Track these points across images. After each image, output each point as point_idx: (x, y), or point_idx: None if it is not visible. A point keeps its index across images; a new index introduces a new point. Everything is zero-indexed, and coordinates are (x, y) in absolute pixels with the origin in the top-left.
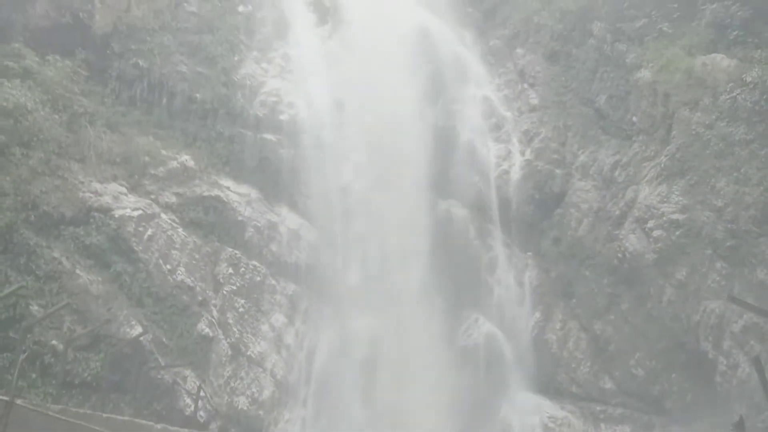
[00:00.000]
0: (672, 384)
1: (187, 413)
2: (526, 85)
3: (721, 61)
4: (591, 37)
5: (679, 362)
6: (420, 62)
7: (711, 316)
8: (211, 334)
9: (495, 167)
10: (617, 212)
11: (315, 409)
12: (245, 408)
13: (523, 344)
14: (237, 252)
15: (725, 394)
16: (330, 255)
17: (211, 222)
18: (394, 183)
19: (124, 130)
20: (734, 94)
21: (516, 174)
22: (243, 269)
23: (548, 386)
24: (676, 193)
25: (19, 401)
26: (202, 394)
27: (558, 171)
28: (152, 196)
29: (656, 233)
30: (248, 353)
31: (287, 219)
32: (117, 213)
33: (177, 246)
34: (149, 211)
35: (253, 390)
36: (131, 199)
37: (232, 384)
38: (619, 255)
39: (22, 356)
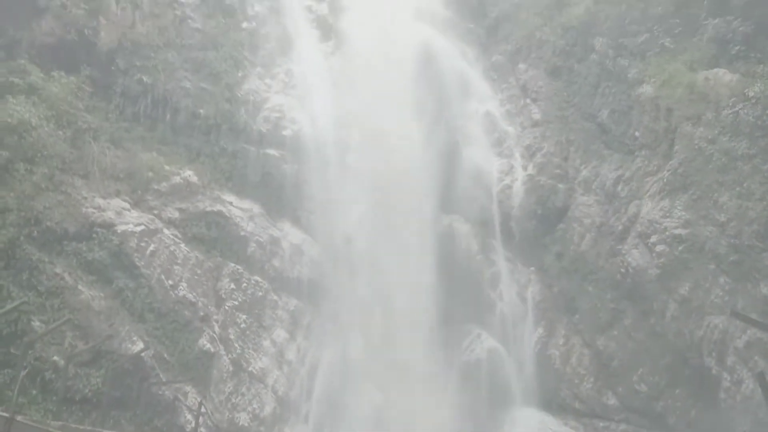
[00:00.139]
0: (676, 400)
1: (187, 429)
2: (528, 100)
3: (724, 75)
4: (593, 52)
5: (683, 378)
6: (422, 78)
7: (714, 332)
8: (212, 350)
9: (497, 182)
10: (620, 227)
11: (316, 426)
12: (246, 424)
13: (526, 360)
14: (239, 267)
15: (729, 410)
16: (332, 270)
17: (214, 237)
18: (397, 199)
19: (128, 145)
20: (736, 108)
21: (518, 189)
22: (245, 284)
23: (551, 402)
24: (679, 207)
25: (19, 418)
26: (203, 410)
27: (560, 186)
28: (155, 212)
29: (659, 248)
30: (249, 369)
31: (290, 234)
32: (120, 228)
33: (179, 261)
34: (152, 227)
35: (255, 406)
36: (134, 215)
37: (234, 400)
38: (622, 270)
39: (23, 372)
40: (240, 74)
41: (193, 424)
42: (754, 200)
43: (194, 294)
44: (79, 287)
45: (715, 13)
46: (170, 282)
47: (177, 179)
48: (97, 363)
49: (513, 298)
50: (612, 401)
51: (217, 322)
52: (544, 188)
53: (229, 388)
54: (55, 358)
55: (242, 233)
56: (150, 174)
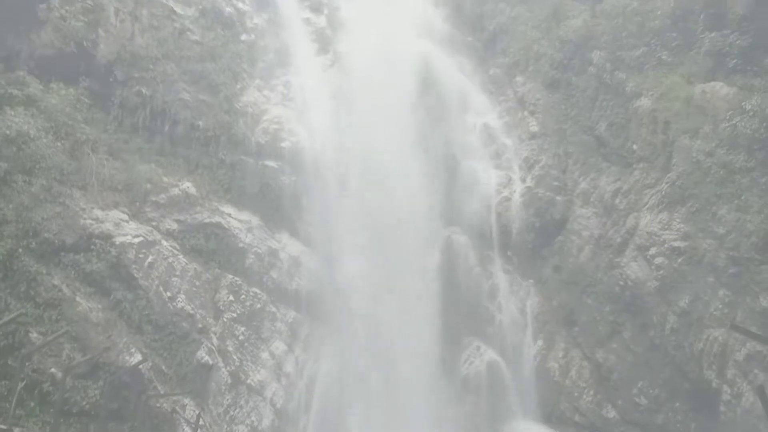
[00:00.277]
0: (675, 413)
1: None
2: (526, 113)
3: (721, 89)
4: (590, 65)
5: (683, 391)
6: (420, 91)
7: (714, 345)
8: (210, 362)
9: (496, 194)
10: (618, 240)
11: None
12: None
13: (525, 372)
14: (237, 279)
15: (729, 423)
16: (330, 282)
17: (212, 249)
18: (395, 211)
19: (126, 157)
20: (734, 121)
21: (517, 201)
22: (243, 296)
23: (551, 415)
24: (678, 220)
25: (16, 430)
26: (201, 422)
27: (559, 198)
28: (153, 223)
29: (658, 261)
30: (248, 381)
31: (288, 245)
32: (118, 240)
33: (177, 273)
34: (150, 238)
35: (253, 419)
36: (132, 226)
37: (232, 413)
38: (621, 283)
39: (21, 384)
40: (238, 86)
41: None
42: (753, 213)
43: (192, 306)
44: (77, 299)
45: (712, 27)
46: (168, 294)
47: (175, 191)
48: (94, 375)
49: (512, 310)
50: (612, 414)
51: (215, 334)
52: (542, 200)
53: (227, 400)
54: (53, 370)
55: (240, 245)
56: (148, 185)
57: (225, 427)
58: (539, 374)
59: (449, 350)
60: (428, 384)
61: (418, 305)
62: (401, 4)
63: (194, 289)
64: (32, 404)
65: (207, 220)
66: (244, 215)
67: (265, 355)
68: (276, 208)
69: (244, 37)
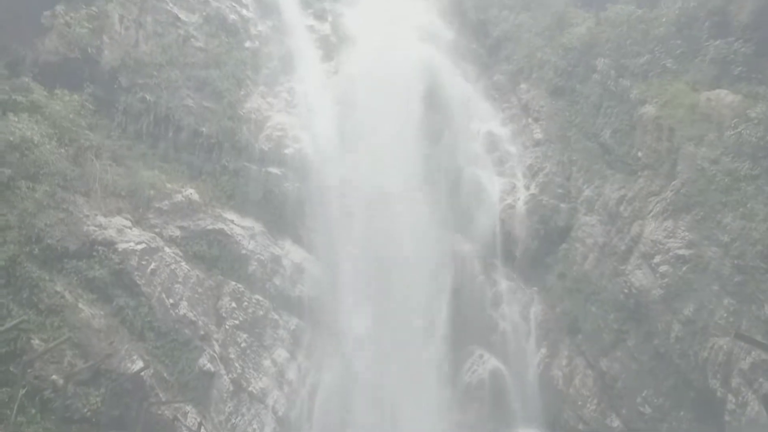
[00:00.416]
0: (680, 422)
1: None
2: (530, 120)
3: (726, 96)
4: (595, 72)
5: (688, 400)
6: (424, 98)
7: (719, 353)
8: (212, 370)
9: (499, 202)
10: (623, 247)
11: None
12: None
13: (529, 381)
14: (240, 286)
15: None
16: (333, 289)
17: (215, 255)
18: (398, 219)
19: (130, 163)
20: (739, 129)
21: (521, 208)
22: (246, 303)
23: (554, 424)
24: (682, 228)
25: None
26: (202, 430)
27: (563, 205)
28: (156, 230)
29: (663, 269)
30: (250, 389)
31: (291, 252)
32: (120, 246)
33: (180, 280)
34: (153, 245)
35: (255, 426)
36: (135, 233)
37: (233, 420)
38: (626, 290)
39: (22, 391)
40: (242, 93)
41: None
42: (758, 221)
43: (195, 313)
44: (80, 305)
45: (717, 34)
46: (171, 301)
47: (179, 197)
48: (96, 382)
49: (515, 318)
50: (616, 423)
51: (217, 341)
52: (546, 208)
53: (229, 408)
54: (55, 376)
55: (243, 252)
56: (152, 192)
57: None
58: (543, 382)
59: (453, 358)
60: (431, 391)
61: (422, 311)
62: (405, 12)
63: (197, 296)
64: (33, 411)
65: (210, 227)
66: (247, 222)
67: (267, 362)
68: (279, 214)
69: (248, 44)
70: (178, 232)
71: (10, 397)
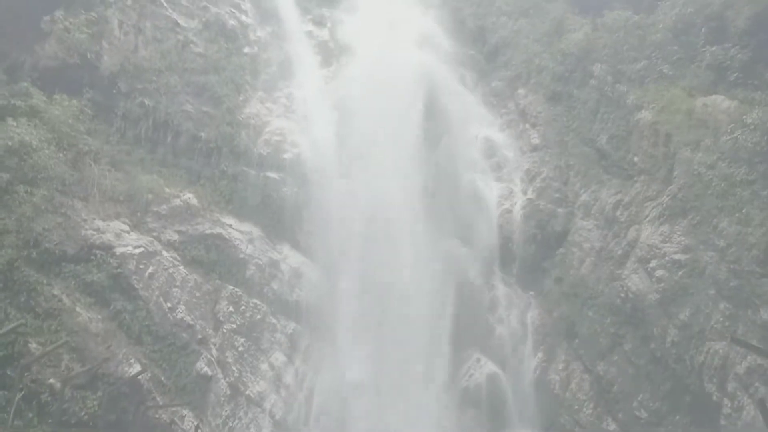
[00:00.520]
0: (676, 426)
1: None
2: (527, 125)
3: (722, 102)
4: (592, 78)
5: (684, 404)
6: (423, 103)
7: (715, 358)
8: (210, 373)
9: (497, 206)
10: (619, 252)
11: None
12: None
13: (526, 385)
14: (238, 290)
15: None
16: (331, 293)
17: (213, 260)
18: (395, 223)
19: (128, 168)
20: (735, 135)
21: (518, 213)
22: (243, 307)
23: (551, 428)
24: (679, 233)
25: None
26: None
27: (560, 210)
28: (154, 234)
29: (659, 273)
30: (247, 393)
31: (289, 257)
32: (118, 251)
33: (178, 284)
34: (151, 249)
35: (252, 430)
36: (133, 237)
37: (231, 424)
38: (622, 295)
39: (19, 395)
40: (241, 98)
41: None
42: (754, 226)
43: (192, 317)
44: (77, 309)
45: (713, 41)
46: (168, 304)
47: (177, 201)
48: (93, 386)
49: (512, 322)
50: (612, 427)
51: (214, 345)
52: (543, 212)
53: (226, 412)
54: (52, 380)
55: (241, 256)
56: (150, 196)
57: None
58: (539, 387)
59: (450, 362)
60: (428, 396)
61: (419, 316)
62: (403, 18)
63: (194, 299)
64: (31, 415)
65: (208, 231)
66: (246, 226)
67: (264, 366)
68: (277, 219)
69: (247, 49)
70: (176, 237)
71: (7, 400)
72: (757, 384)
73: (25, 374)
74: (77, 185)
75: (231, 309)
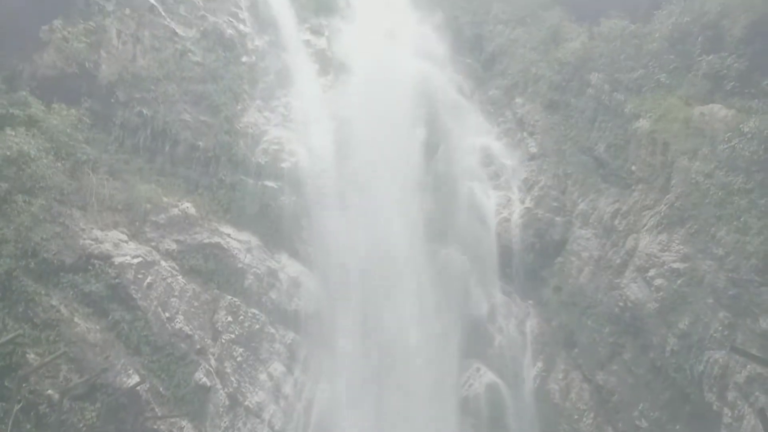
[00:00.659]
0: None
1: None
2: (525, 134)
3: (719, 111)
4: (589, 87)
5: (684, 414)
6: (420, 111)
7: (715, 367)
8: (208, 384)
9: (495, 215)
10: (618, 261)
11: None
12: None
13: (525, 395)
14: (236, 300)
15: None
16: (330, 303)
17: (211, 269)
18: (394, 232)
19: (127, 177)
20: (732, 143)
21: (516, 222)
22: (242, 317)
23: None
24: (677, 241)
25: None
26: None
27: (558, 219)
28: (152, 243)
29: (658, 282)
30: (246, 403)
31: (287, 266)
32: (117, 260)
33: (176, 293)
34: (149, 259)
35: None
36: (131, 247)
37: None
38: (621, 304)
39: (17, 406)
40: (239, 107)
41: None
42: (752, 234)
43: (191, 327)
44: (75, 320)
45: (710, 49)
46: (167, 314)
47: (175, 211)
48: (92, 397)
49: (511, 332)
50: None
51: (213, 355)
52: (541, 221)
53: (225, 422)
54: (50, 391)
55: (240, 265)
56: (148, 205)
57: None
58: (539, 396)
59: (449, 372)
60: (427, 406)
61: (417, 326)
62: (401, 26)
63: (193, 309)
64: (29, 426)
65: (206, 241)
66: (244, 235)
67: (263, 376)
68: (276, 228)
69: (245, 58)
70: (174, 246)
71: (5, 412)
72: (757, 393)
73: (23, 385)
74: (75, 195)
75: (229, 319)
